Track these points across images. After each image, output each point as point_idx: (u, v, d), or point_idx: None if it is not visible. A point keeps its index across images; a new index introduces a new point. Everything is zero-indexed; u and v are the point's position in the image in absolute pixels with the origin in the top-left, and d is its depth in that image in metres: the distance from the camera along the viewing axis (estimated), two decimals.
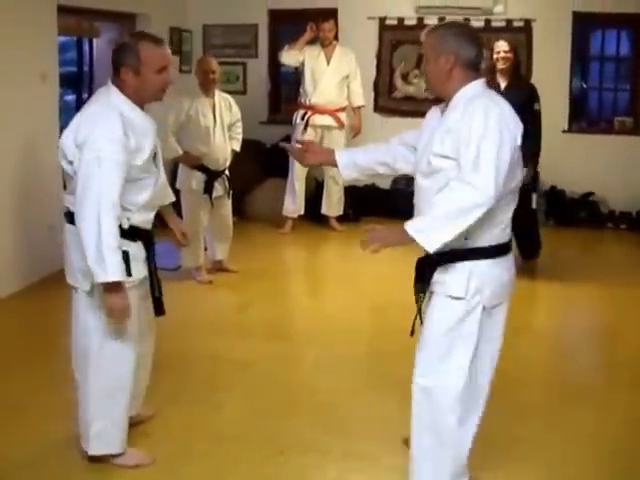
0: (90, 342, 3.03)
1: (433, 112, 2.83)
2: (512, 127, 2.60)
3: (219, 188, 5.70)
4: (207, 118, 5.60)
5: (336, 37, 7.45)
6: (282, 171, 7.49)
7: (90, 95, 7.05)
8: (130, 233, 2.96)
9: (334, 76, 7.23)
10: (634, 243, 7.34)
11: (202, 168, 5.59)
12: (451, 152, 2.58)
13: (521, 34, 7.68)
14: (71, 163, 2.89)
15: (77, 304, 3.07)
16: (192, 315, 5.03)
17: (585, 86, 8.31)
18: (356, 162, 3.01)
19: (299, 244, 7.25)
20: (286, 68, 7.68)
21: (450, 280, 2.69)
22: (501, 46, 5.70)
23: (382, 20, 8.05)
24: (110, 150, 2.78)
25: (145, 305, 3.15)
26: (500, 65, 5.69)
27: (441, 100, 2.78)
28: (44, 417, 3.56)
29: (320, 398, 3.86)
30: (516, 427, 3.59)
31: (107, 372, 3.03)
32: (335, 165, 3.01)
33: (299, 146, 3.19)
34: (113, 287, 2.82)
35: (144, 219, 3.04)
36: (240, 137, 5.93)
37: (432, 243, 2.52)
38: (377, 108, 8.19)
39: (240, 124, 5.91)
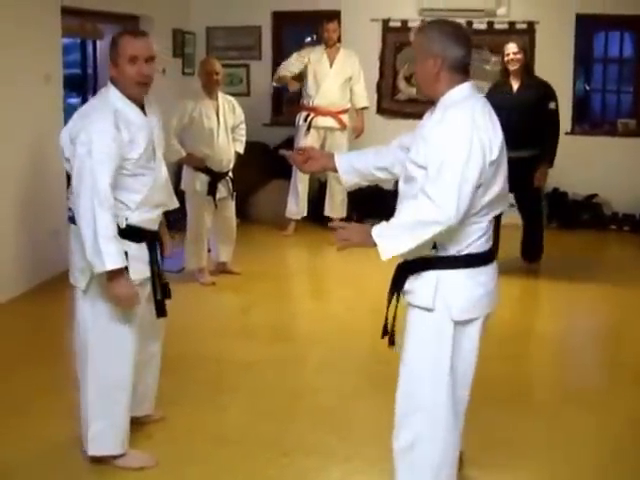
0: (88, 341, 3.04)
1: (429, 113, 2.76)
2: (485, 139, 2.48)
3: (223, 190, 5.70)
4: (211, 120, 5.60)
5: (339, 39, 7.45)
6: (285, 173, 7.49)
7: None
8: (131, 233, 2.97)
9: (337, 78, 7.23)
10: (637, 245, 7.32)
11: (206, 170, 5.60)
12: (424, 161, 2.53)
13: (524, 36, 7.67)
14: (69, 160, 2.95)
15: (77, 303, 3.10)
16: (195, 317, 5.03)
17: (588, 88, 8.31)
18: (355, 167, 2.96)
19: (302, 246, 7.25)
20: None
21: (418, 289, 2.62)
22: (510, 48, 5.80)
23: (385, 22, 8.05)
24: (101, 143, 2.83)
25: (149, 307, 3.16)
26: (511, 67, 5.80)
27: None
28: (47, 419, 3.56)
29: (324, 400, 3.86)
30: (519, 428, 3.58)
31: (105, 371, 3.04)
32: (335, 170, 2.98)
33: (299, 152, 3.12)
34: (114, 276, 2.85)
35: (145, 218, 3.04)
36: (244, 139, 5.93)
37: (387, 250, 2.49)
38: (380, 110, 8.19)
39: (243, 126, 5.91)
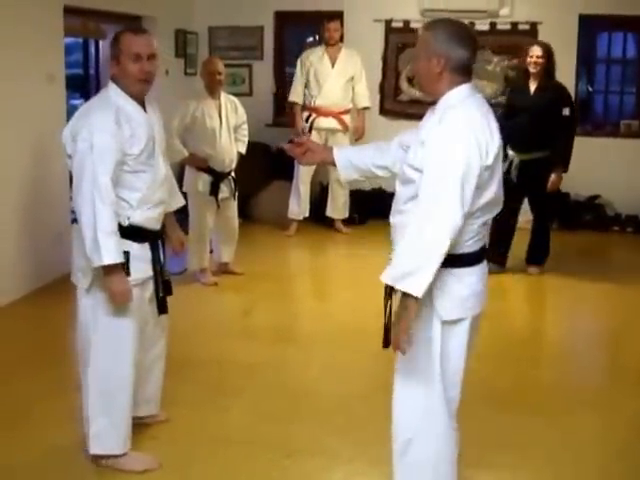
0: (90, 341, 3.04)
1: (429, 114, 2.74)
2: (483, 143, 2.46)
3: (225, 190, 5.69)
4: (213, 120, 5.59)
5: (341, 39, 7.44)
6: (287, 173, 7.48)
7: None
8: (133, 233, 2.98)
9: (339, 78, 7.21)
10: None
11: (208, 170, 5.59)
12: (421, 165, 2.51)
13: (526, 37, 7.66)
14: (70, 157, 2.96)
15: (79, 303, 3.10)
16: (197, 318, 5.02)
17: (591, 89, 8.30)
18: (354, 163, 2.94)
19: (304, 247, 7.24)
20: (292, 70, 7.65)
21: None
22: (535, 51, 5.87)
23: (388, 23, 8.03)
24: (101, 138, 2.85)
25: (153, 307, 3.16)
26: (531, 69, 5.88)
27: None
28: (49, 422, 3.56)
29: (326, 401, 3.85)
30: (521, 428, 3.58)
31: (106, 371, 3.04)
32: (334, 164, 2.96)
33: (299, 143, 3.08)
34: (110, 270, 2.87)
35: (146, 217, 3.03)
36: (246, 139, 5.92)
37: (419, 289, 2.41)
38: (383, 111, 8.17)
39: (246, 126, 5.90)
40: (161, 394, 3.48)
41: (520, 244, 6.24)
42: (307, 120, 7.25)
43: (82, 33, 6.66)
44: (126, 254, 2.92)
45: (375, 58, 8.03)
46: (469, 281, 2.62)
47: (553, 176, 5.85)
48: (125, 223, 2.96)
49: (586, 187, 7.77)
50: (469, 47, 2.57)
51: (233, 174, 5.76)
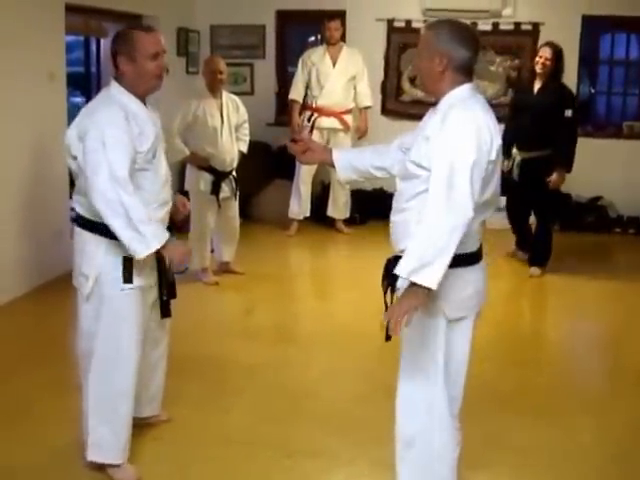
0: (90, 346, 3.01)
1: (430, 113, 2.76)
2: (488, 139, 2.49)
3: (226, 189, 5.68)
4: (214, 119, 5.58)
5: (343, 38, 7.42)
6: (288, 173, 7.47)
7: None
8: None
9: (340, 77, 7.19)
10: None
11: (209, 169, 5.57)
12: (426, 162, 2.53)
13: (528, 37, 7.65)
14: (76, 159, 2.91)
15: (80, 308, 3.06)
16: (198, 317, 5.00)
17: (593, 90, 8.28)
18: (353, 164, 2.96)
19: (305, 246, 7.23)
20: (294, 69, 7.62)
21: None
22: (544, 52, 5.92)
23: (390, 22, 8.01)
24: (113, 133, 2.81)
25: (156, 310, 3.15)
26: (537, 69, 5.93)
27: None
28: (48, 421, 3.55)
29: (327, 402, 3.84)
30: (522, 430, 3.57)
31: (107, 377, 3.00)
32: (333, 165, 2.98)
33: (300, 139, 3.12)
34: (164, 246, 2.85)
35: (153, 218, 2.95)
36: (247, 138, 5.90)
37: (432, 282, 2.41)
38: (384, 111, 8.16)
39: (247, 125, 5.88)
40: (163, 394, 3.46)
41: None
42: (309, 119, 7.23)
43: (83, 31, 6.65)
44: (129, 260, 2.89)
45: (377, 58, 8.02)
46: (472, 279, 2.67)
47: (555, 175, 5.84)
48: None
49: (588, 189, 7.75)
50: (471, 47, 2.61)
51: (234, 173, 5.75)
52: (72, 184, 5.67)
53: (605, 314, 5.55)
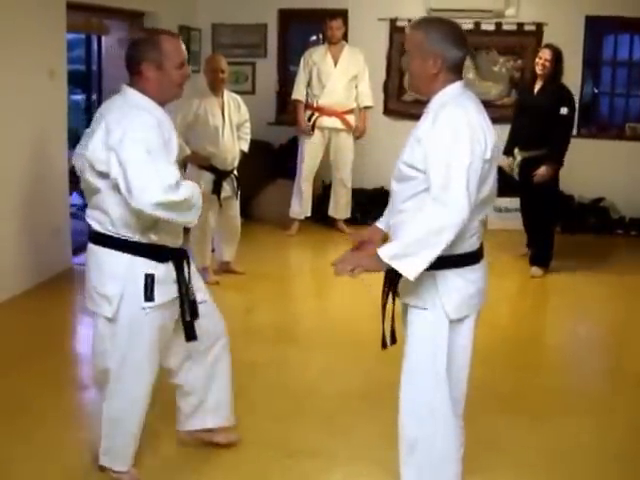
0: (107, 370, 2.96)
1: (424, 116, 2.71)
2: (482, 138, 2.48)
3: (227, 188, 5.66)
4: (216, 117, 5.56)
5: (345, 38, 7.40)
6: (289, 172, 7.46)
7: (100, 95, 7.08)
8: (157, 252, 2.84)
9: (342, 77, 7.16)
10: None
11: (211, 168, 5.55)
12: (420, 163, 2.51)
13: (532, 38, 7.63)
14: (101, 175, 2.73)
15: (95, 331, 2.97)
16: None
17: (596, 91, 8.25)
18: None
19: (306, 246, 7.21)
20: (296, 68, 7.60)
21: (413, 289, 2.63)
22: (544, 53, 5.97)
23: (393, 22, 8.00)
24: (153, 137, 2.69)
25: (180, 327, 3.02)
26: (538, 70, 5.98)
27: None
28: (48, 417, 3.54)
29: (328, 401, 3.83)
30: (522, 431, 3.56)
31: (123, 394, 2.97)
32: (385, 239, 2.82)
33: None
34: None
35: (167, 231, 2.87)
36: (248, 137, 5.89)
37: (411, 271, 2.44)
38: (386, 111, 8.14)
39: (248, 124, 5.87)
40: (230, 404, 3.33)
41: (521, 245, 6.19)
42: (309, 119, 7.21)
43: (84, 29, 6.64)
44: (151, 277, 2.80)
45: (379, 57, 8.00)
46: (473, 278, 2.67)
47: (542, 168, 5.85)
48: (148, 240, 2.82)
49: (590, 190, 7.74)
50: (462, 46, 2.62)
51: (235, 172, 5.72)
52: (72, 182, 5.68)
53: (606, 315, 5.54)
